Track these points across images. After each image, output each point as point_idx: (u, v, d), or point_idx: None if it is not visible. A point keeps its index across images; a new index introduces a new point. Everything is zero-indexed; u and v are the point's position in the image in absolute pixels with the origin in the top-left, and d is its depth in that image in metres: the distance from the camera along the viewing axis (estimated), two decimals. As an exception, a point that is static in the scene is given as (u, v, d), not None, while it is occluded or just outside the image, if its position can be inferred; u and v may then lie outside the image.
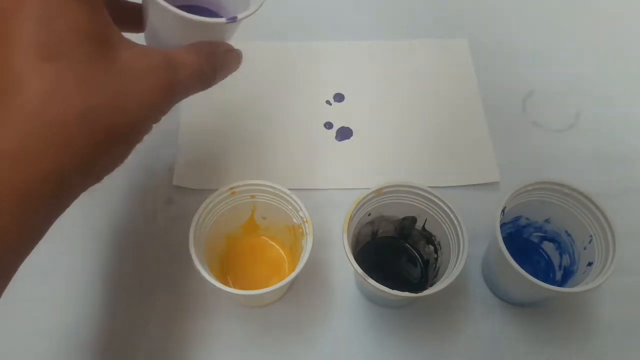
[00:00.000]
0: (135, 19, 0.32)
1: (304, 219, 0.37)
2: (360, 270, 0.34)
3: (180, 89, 0.29)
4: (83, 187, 0.26)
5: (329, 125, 0.49)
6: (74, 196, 0.26)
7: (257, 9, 0.30)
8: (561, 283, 0.40)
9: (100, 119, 0.25)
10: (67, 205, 0.26)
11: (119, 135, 0.26)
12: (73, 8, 0.24)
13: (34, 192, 0.23)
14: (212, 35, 0.31)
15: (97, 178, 0.27)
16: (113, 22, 0.27)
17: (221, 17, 0.32)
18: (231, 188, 0.38)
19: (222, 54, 0.31)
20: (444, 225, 0.38)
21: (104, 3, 0.27)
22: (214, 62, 0.30)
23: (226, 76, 0.33)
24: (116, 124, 0.25)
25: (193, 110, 0.49)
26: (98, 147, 0.25)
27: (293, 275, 0.34)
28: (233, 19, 0.29)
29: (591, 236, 0.37)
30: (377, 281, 0.33)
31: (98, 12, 0.26)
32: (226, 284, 0.34)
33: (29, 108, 0.23)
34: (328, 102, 0.50)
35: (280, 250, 0.42)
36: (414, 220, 0.40)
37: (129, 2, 0.33)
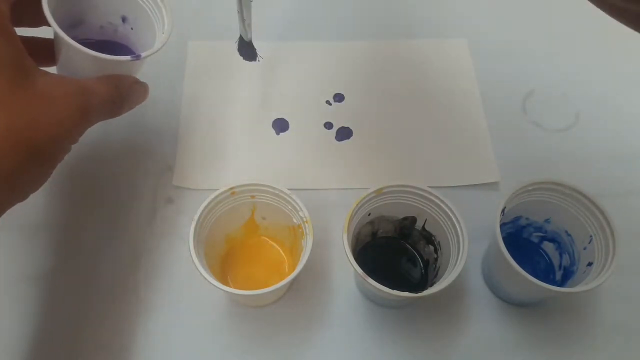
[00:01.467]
0: (48, 54, 0.36)
1: (304, 219, 0.37)
2: (360, 270, 0.34)
3: (93, 113, 0.32)
4: (8, 204, 0.29)
5: (329, 125, 0.49)
6: (1, 212, 0.28)
7: (160, 49, 0.35)
8: (561, 283, 0.40)
9: (23, 138, 0.27)
10: None
11: (41, 154, 0.29)
12: None
13: None
14: (120, 70, 0.35)
15: (22, 195, 0.29)
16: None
17: (131, 51, 0.39)
18: (231, 188, 0.38)
19: (129, 86, 0.35)
20: (444, 225, 0.38)
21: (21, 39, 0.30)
22: (121, 92, 0.34)
23: (133, 106, 0.36)
24: (37, 142, 0.28)
25: (193, 110, 0.49)
26: (20, 164, 0.27)
27: (293, 275, 0.34)
28: (137, 57, 0.34)
29: (591, 236, 0.37)
30: (377, 281, 0.33)
31: (15, 44, 0.29)
32: (226, 284, 0.34)
33: None
34: (328, 102, 0.50)
35: (280, 250, 0.42)
36: (414, 220, 0.40)
37: (41, 38, 0.36)
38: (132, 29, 0.39)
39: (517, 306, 0.40)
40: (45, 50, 0.36)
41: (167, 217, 0.44)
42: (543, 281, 0.34)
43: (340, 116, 0.49)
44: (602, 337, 0.39)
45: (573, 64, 0.53)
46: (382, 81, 0.52)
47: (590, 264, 0.37)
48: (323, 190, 0.45)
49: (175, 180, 0.45)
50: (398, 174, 0.46)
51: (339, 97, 0.51)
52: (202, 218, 0.37)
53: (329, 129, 0.49)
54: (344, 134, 0.49)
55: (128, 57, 0.34)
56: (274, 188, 0.38)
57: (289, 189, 0.38)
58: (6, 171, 0.27)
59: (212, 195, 0.37)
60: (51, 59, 0.36)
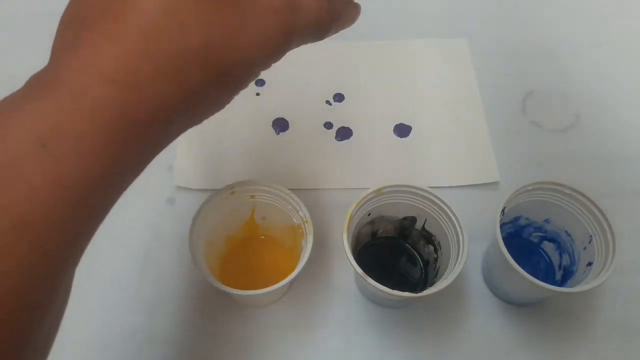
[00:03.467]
0: None
1: (304, 219, 0.37)
2: (360, 270, 0.34)
3: (297, 35, 0.27)
4: (186, 126, 0.25)
5: (329, 125, 0.49)
6: (175, 135, 0.25)
7: None
8: (561, 283, 0.40)
9: (217, 56, 0.23)
10: (166, 144, 0.24)
11: (230, 75, 0.24)
12: None
13: (139, 121, 0.22)
14: None
15: (199, 119, 0.26)
16: None
17: None
18: (231, 188, 0.38)
19: (343, 4, 0.29)
20: (444, 225, 0.38)
21: None
22: (333, 12, 0.28)
23: (341, 29, 0.30)
24: (230, 63, 0.24)
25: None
26: (209, 85, 0.24)
27: (293, 275, 0.34)
28: None
29: (591, 236, 0.37)
30: (377, 281, 0.33)
31: None
32: (226, 284, 0.34)
33: (145, 28, 0.21)
34: (328, 102, 0.50)
35: (280, 250, 0.42)
36: (414, 220, 0.40)
37: None
38: None
39: (517, 306, 0.40)
40: None
41: (167, 217, 0.44)
42: (543, 281, 0.34)
43: (340, 116, 0.49)
44: (602, 337, 0.39)
45: (573, 64, 0.53)
46: (382, 81, 0.52)
47: (590, 264, 0.37)
48: (323, 190, 0.45)
49: (175, 180, 0.45)
50: (398, 174, 0.46)
51: (339, 97, 0.51)
52: (202, 218, 0.37)
53: (329, 129, 0.49)
54: (344, 134, 0.48)
55: None
56: (274, 188, 0.38)
57: (289, 189, 0.38)
58: (191, 90, 0.23)
59: (212, 195, 0.37)
60: None
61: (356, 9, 0.31)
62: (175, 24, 0.22)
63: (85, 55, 0.21)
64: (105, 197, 0.23)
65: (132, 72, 0.21)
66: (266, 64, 0.26)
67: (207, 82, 0.23)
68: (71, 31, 0.22)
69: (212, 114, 0.26)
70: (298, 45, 0.28)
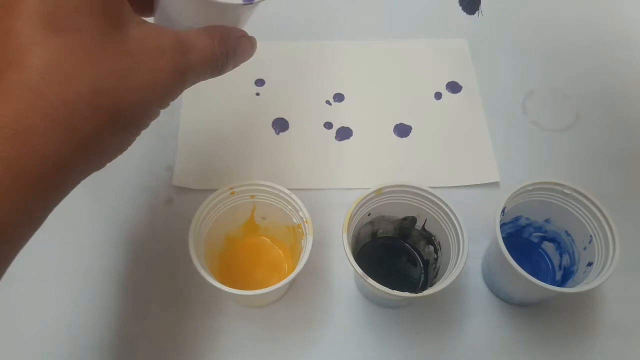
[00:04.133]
0: (149, 1, 0.30)
1: (304, 219, 0.37)
2: (360, 270, 0.34)
3: (191, 73, 0.27)
4: (84, 173, 0.25)
5: (329, 125, 0.49)
6: (75, 182, 0.25)
7: None
8: (561, 283, 0.40)
9: (108, 99, 0.23)
10: (67, 192, 0.25)
11: (125, 118, 0.24)
12: None
13: (31, 174, 0.22)
14: (226, 19, 0.29)
15: (99, 164, 0.26)
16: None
17: None
18: (231, 188, 0.38)
19: (236, 39, 0.29)
20: (444, 225, 0.38)
21: None
22: (227, 47, 0.29)
23: (239, 63, 0.31)
24: (122, 106, 0.24)
25: (193, 110, 0.49)
26: (102, 130, 0.23)
27: (293, 275, 0.34)
28: (250, 1, 0.28)
29: (591, 236, 0.37)
30: (377, 281, 0.33)
31: None
32: (226, 284, 0.34)
33: (30, 82, 0.21)
34: (328, 102, 0.50)
35: (280, 250, 0.42)
36: (414, 220, 0.40)
37: None
38: None
39: (517, 306, 0.40)
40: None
41: (167, 217, 0.43)
42: (543, 281, 0.34)
43: (340, 116, 0.49)
44: (602, 337, 0.39)
45: (573, 64, 0.53)
46: (382, 81, 0.52)
47: (590, 264, 0.37)
48: (323, 190, 0.45)
49: (175, 180, 0.45)
50: (398, 174, 0.46)
51: (339, 97, 0.51)
52: (202, 218, 0.36)
53: (329, 129, 0.49)
54: (344, 134, 0.48)
55: (240, 1, 0.28)
56: (274, 188, 0.38)
57: (289, 189, 0.38)
58: (85, 137, 0.23)
59: (212, 195, 0.37)
60: (150, 7, 0.30)
61: (251, 42, 0.31)
62: (60, 74, 0.22)
63: None
64: (13, 243, 0.23)
65: (19, 126, 0.21)
66: (162, 104, 0.26)
67: (100, 126, 0.23)
68: None
69: (114, 157, 0.26)
70: (195, 82, 0.28)
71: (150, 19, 0.30)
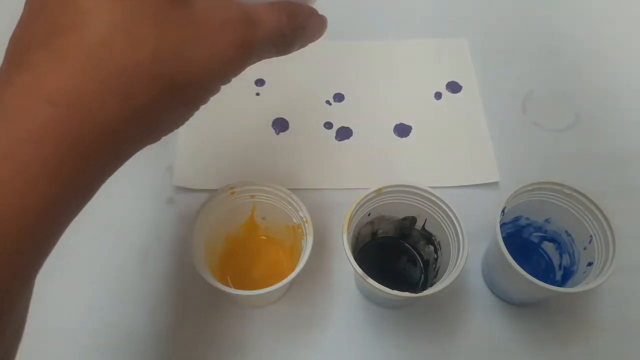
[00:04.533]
0: None
1: (304, 219, 0.37)
2: (360, 270, 0.34)
3: (257, 49, 0.25)
4: (139, 144, 0.24)
5: (329, 125, 0.49)
6: (130, 153, 0.24)
7: None
8: (561, 283, 0.40)
9: (168, 69, 0.22)
10: (121, 162, 0.24)
11: (184, 93, 0.24)
12: None
13: (86, 142, 0.21)
14: None
15: (156, 136, 0.25)
16: None
17: None
18: (231, 188, 0.38)
19: (306, 17, 0.28)
20: (444, 225, 0.38)
21: None
22: (296, 25, 0.27)
23: (307, 43, 0.29)
24: (183, 77, 0.23)
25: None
26: (162, 102, 0.23)
27: (293, 275, 0.34)
28: None
29: (591, 236, 0.37)
30: (377, 281, 0.33)
31: None
32: (226, 284, 0.34)
33: (90, 47, 0.21)
34: (328, 102, 0.50)
35: (280, 250, 0.42)
36: (414, 220, 0.40)
37: None
38: None
39: (517, 306, 0.40)
40: None
41: (167, 217, 0.44)
42: (543, 281, 0.34)
43: (340, 116, 0.49)
44: (602, 337, 0.39)
45: (573, 64, 0.53)
46: (382, 81, 0.52)
47: (590, 264, 0.37)
48: (323, 190, 0.45)
49: (175, 180, 0.45)
50: (398, 174, 0.46)
51: (339, 97, 0.51)
52: (202, 218, 0.36)
53: (329, 129, 0.49)
54: (344, 134, 0.48)
55: None
56: (273, 188, 0.38)
57: (289, 189, 0.38)
58: (140, 106, 0.22)
59: (212, 195, 0.37)
60: None
61: (322, 21, 0.30)
62: (122, 41, 0.21)
63: (28, 77, 0.20)
64: (54, 224, 0.22)
65: (75, 91, 0.20)
66: (224, 79, 0.25)
67: (157, 97, 0.22)
68: (18, 52, 0.22)
69: (170, 131, 0.25)
70: (260, 59, 0.27)
71: None
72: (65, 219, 0.23)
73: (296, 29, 0.27)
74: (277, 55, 0.28)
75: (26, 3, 0.22)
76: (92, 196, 0.23)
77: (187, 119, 0.26)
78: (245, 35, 0.24)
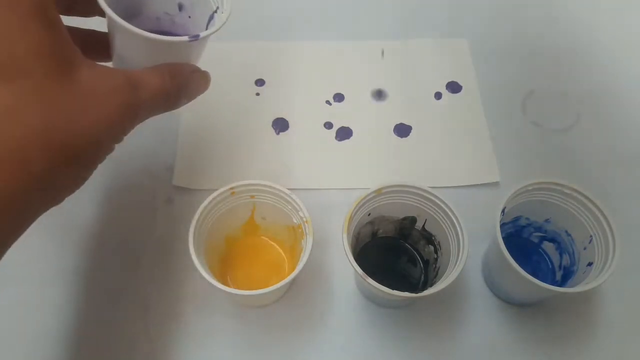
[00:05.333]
0: (105, 48, 0.32)
1: (304, 219, 0.37)
2: (360, 271, 0.34)
3: (142, 109, 0.28)
4: (41, 209, 0.26)
5: (329, 125, 0.49)
6: (32, 218, 0.26)
7: (219, 28, 0.31)
8: (561, 283, 0.40)
9: (58, 135, 0.24)
10: (24, 228, 0.26)
11: (78, 156, 0.26)
12: (32, 27, 0.24)
13: None
14: (177, 56, 0.31)
15: (57, 199, 0.27)
16: (82, 51, 0.27)
17: None
18: (231, 188, 0.38)
19: (187, 75, 0.31)
20: (444, 225, 0.38)
21: (75, 31, 0.28)
22: (178, 82, 0.30)
23: (193, 97, 0.33)
24: (75, 142, 0.25)
25: (193, 111, 0.49)
26: (56, 167, 0.25)
27: (293, 275, 0.34)
28: (195, 37, 0.30)
29: (591, 236, 0.37)
30: (377, 281, 0.33)
31: (58, 32, 0.26)
32: (226, 284, 0.34)
33: None
34: (328, 102, 0.50)
35: (280, 251, 0.42)
36: (414, 220, 0.40)
37: (99, 32, 0.33)
38: (189, 17, 0.36)
39: (517, 306, 0.40)
40: (103, 44, 0.32)
41: (167, 217, 0.44)
42: (543, 281, 0.34)
43: (340, 116, 0.49)
44: (602, 337, 0.39)
45: (573, 64, 0.53)
46: (382, 81, 0.52)
47: (590, 264, 0.37)
48: (323, 190, 0.45)
49: (175, 180, 0.45)
50: (398, 174, 0.46)
51: (339, 97, 0.51)
52: (202, 218, 0.36)
53: (329, 129, 0.49)
54: (344, 134, 0.48)
55: (185, 38, 0.30)
56: (274, 188, 0.38)
57: (289, 189, 0.38)
58: (39, 174, 0.24)
59: (212, 195, 0.37)
60: (108, 54, 0.33)
61: (204, 76, 0.33)
62: (12, 116, 0.23)
63: None
64: None
65: None
66: (115, 139, 0.28)
67: (54, 163, 0.24)
68: None
69: (72, 191, 0.28)
70: (148, 117, 0.29)
71: (109, 64, 0.32)
72: None
73: (179, 86, 0.31)
74: (166, 111, 0.31)
75: None
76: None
77: (87, 178, 0.28)
78: (129, 99, 0.27)
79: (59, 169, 0.25)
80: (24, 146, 0.23)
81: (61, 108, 0.25)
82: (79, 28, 0.32)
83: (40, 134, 0.24)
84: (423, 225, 0.40)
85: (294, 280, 0.35)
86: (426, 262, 0.41)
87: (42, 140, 0.24)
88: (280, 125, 0.49)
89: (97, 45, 0.32)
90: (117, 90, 0.27)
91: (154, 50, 0.30)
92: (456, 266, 0.35)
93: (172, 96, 0.30)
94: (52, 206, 0.27)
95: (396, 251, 0.42)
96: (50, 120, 0.24)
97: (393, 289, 0.33)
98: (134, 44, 0.30)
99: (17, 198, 0.24)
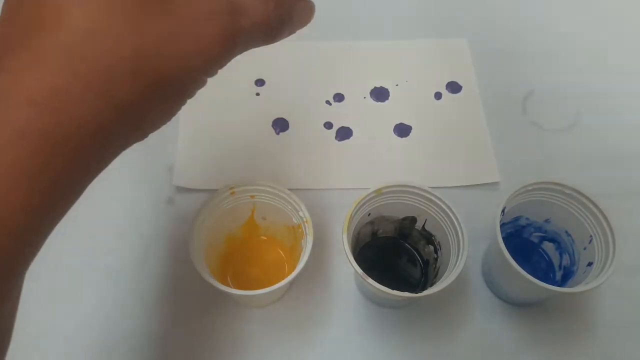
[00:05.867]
0: None
1: (304, 219, 0.37)
2: (360, 270, 0.34)
3: (243, 38, 0.25)
4: (126, 142, 0.24)
5: (329, 125, 0.49)
6: (116, 152, 0.24)
7: None
8: (561, 283, 0.40)
9: (151, 63, 0.22)
10: (108, 162, 0.24)
11: (169, 84, 0.23)
12: None
13: (69, 143, 0.20)
14: None
15: (142, 133, 0.24)
16: None
17: None
18: (231, 188, 0.38)
19: (293, 3, 0.27)
20: (444, 225, 0.38)
21: None
22: (282, 12, 0.27)
23: (295, 30, 0.29)
24: (167, 71, 0.22)
25: (193, 111, 0.49)
26: (145, 97, 0.22)
27: (293, 275, 0.34)
28: None
29: (591, 236, 0.37)
30: (377, 281, 0.33)
31: None
32: (226, 284, 0.34)
33: (68, 45, 0.20)
34: (328, 102, 0.50)
35: (280, 250, 0.42)
36: (414, 220, 0.40)
37: None
38: None
39: (517, 306, 0.40)
40: None
41: (167, 217, 0.43)
42: (543, 281, 0.34)
43: (340, 116, 0.49)
44: (602, 337, 0.39)
45: (573, 64, 0.53)
46: (382, 81, 0.52)
47: (590, 264, 0.37)
48: (323, 190, 0.45)
49: (175, 180, 0.45)
50: (398, 174, 0.46)
51: (339, 97, 0.51)
52: (202, 218, 0.37)
53: (329, 129, 0.49)
54: (344, 134, 0.48)
55: None
56: (274, 188, 0.38)
57: (289, 189, 0.38)
58: (123, 102, 0.21)
59: (212, 195, 0.37)
60: None
61: (309, 6, 0.29)
62: (101, 37, 0.21)
63: (8, 78, 0.20)
64: (41, 224, 0.22)
65: (55, 91, 0.20)
66: (209, 72, 0.25)
67: (142, 93, 0.22)
68: None
69: (156, 128, 0.25)
70: (246, 49, 0.26)
71: None
72: (52, 219, 0.22)
73: (283, 16, 0.27)
74: (265, 44, 0.27)
75: (4, 4, 0.22)
76: (78, 196, 0.23)
77: (173, 114, 0.25)
78: (229, 26, 0.24)
79: (147, 102, 0.22)
80: (112, 73, 0.21)
81: (155, 29, 0.22)
82: None
83: (130, 61, 0.21)
84: (423, 225, 0.40)
85: (294, 280, 0.35)
86: (426, 262, 0.41)
87: (131, 68, 0.21)
88: (280, 125, 0.49)
89: None
90: (217, 15, 0.23)
91: None
92: (456, 266, 0.34)
93: (274, 27, 0.27)
94: (135, 142, 0.24)
95: (396, 251, 0.42)
96: (142, 45, 0.21)
97: (393, 289, 0.33)
98: None
99: (102, 131, 0.21)
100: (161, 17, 0.22)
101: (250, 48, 0.26)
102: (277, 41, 0.28)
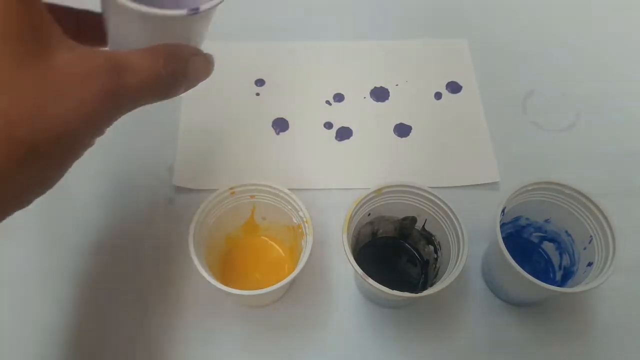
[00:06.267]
0: (103, 31, 0.28)
1: (304, 219, 0.37)
2: (360, 270, 0.34)
3: (128, 96, 0.24)
4: (4, 212, 0.23)
5: (329, 125, 0.49)
6: None
7: (221, 1, 0.26)
8: (561, 283, 0.40)
9: (22, 130, 0.21)
10: None
11: (44, 152, 0.22)
12: None
13: None
14: (175, 35, 0.27)
15: (22, 201, 0.24)
16: (76, 34, 0.24)
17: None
18: (231, 188, 0.38)
19: (186, 57, 0.27)
20: (444, 225, 0.38)
21: (67, 11, 0.24)
22: (175, 67, 0.26)
23: (193, 84, 0.28)
24: (42, 137, 0.22)
25: (193, 111, 0.49)
26: (18, 164, 0.21)
27: (293, 275, 0.34)
28: (195, 10, 0.25)
29: (591, 236, 0.37)
30: (377, 281, 0.33)
31: (32, 8, 0.22)
32: (226, 284, 0.34)
33: None
34: (328, 102, 0.50)
35: (280, 250, 0.42)
36: (414, 220, 0.40)
37: (96, 12, 0.28)
38: None
39: (517, 306, 0.40)
40: (101, 26, 0.28)
41: (167, 217, 0.43)
42: (543, 281, 0.34)
43: (340, 116, 0.49)
44: (602, 337, 0.39)
45: (573, 64, 0.53)
46: (382, 81, 0.52)
47: (590, 264, 0.37)
48: (323, 190, 0.45)
49: (175, 180, 0.45)
50: (398, 174, 0.46)
51: (339, 97, 0.51)
52: (202, 218, 0.37)
53: (329, 129, 0.49)
54: (344, 134, 0.48)
55: (183, 11, 0.25)
56: (274, 188, 0.38)
57: (289, 189, 0.38)
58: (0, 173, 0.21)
59: (212, 195, 0.37)
60: (103, 38, 0.28)
61: (206, 60, 0.28)
62: None
63: None
64: None
65: None
66: (94, 132, 0.24)
67: (16, 162, 0.21)
68: None
69: (42, 192, 0.24)
70: (137, 106, 0.25)
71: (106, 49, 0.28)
72: None
73: (176, 72, 0.26)
74: (160, 100, 0.26)
75: None
76: None
77: (60, 176, 0.24)
78: (110, 85, 0.23)
79: (24, 168, 0.22)
80: None
81: (28, 97, 0.21)
82: (73, 8, 0.28)
83: (3, 129, 0.21)
84: (423, 225, 0.40)
85: (294, 280, 0.35)
86: (426, 262, 0.41)
87: (5, 136, 0.21)
88: (280, 125, 0.49)
89: (94, 28, 0.28)
90: (96, 74, 0.23)
91: (147, 28, 0.26)
92: (456, 266, 0.35)
93: (166, 83, 0.26)
94: (17, 209, 0.24)
95: (396, 251, 0.42)
96: (14, 112, 0.21)
97: (393, 289, 0.33)
98: (124, 20, 0.26)
99: None
100: (35, 83, 0.21)
101: (142, 104, 0.26)
102: (173, 97, 0.27)
